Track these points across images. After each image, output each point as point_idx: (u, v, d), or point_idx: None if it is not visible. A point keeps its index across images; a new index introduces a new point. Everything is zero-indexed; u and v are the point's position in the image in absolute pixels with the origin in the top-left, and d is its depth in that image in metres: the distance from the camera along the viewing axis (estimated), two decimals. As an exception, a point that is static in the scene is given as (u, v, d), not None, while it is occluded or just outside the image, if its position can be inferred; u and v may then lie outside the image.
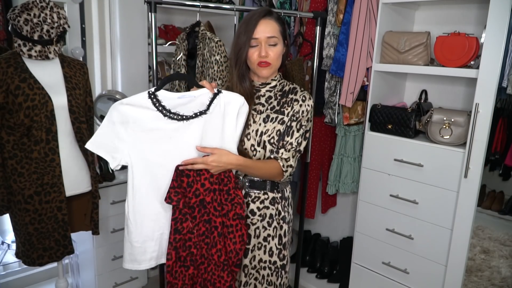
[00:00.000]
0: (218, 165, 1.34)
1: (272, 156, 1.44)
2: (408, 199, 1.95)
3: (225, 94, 1.39)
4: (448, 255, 1.83)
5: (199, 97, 1.37)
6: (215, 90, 1.39)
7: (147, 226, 1.36)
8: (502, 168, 2.99)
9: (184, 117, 1.35)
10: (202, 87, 1.38)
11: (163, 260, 1.41)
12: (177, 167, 1.33)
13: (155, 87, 1.37)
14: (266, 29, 1.39)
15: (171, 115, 1.34)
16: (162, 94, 1.35)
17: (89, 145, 1.32)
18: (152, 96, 1.34)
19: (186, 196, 1.35)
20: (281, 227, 1.53)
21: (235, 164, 1.37)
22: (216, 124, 1.37)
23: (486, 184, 3.15)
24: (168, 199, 1.32)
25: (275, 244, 1.52)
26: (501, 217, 3.02)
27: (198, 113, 1.36)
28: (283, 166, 1.43)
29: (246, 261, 1.52)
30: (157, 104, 1.34)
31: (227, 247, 1.40)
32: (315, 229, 2.92)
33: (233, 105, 1.38)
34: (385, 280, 2.09)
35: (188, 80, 1.41)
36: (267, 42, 1.40)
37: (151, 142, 1.33)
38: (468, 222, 1.76)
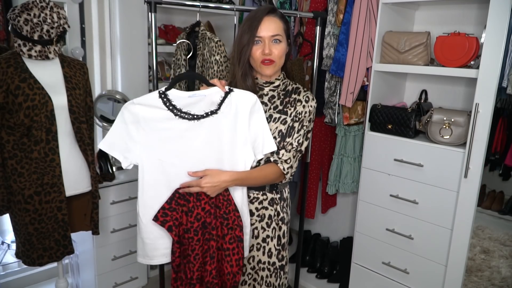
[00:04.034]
0: (212, 186, 1.31)
1: (272, 159, 1.42)
2: (408, 199, 1.95)
3: (237, 93, 1.36)
4: (448, 255, 1.83)
5: (209, 95, 1.35)
6: (226, 89, 1.37)
7: (157, 225, 1.35)
8: (502, 168, 3.00)
9: (195, 116, 1.33)
10: (212, 85, 1.36)
11: None
12: (176, 190, 1.32)
13: (165, 87, 1.35)
14: (270, 27, 1.37)
15: (182, 114, 1.32)
16: (173, 93, 1.34)
17: (102, 145, 1.32)
18: (163, 96, 1.33)
19: (181, 223, 1.33)
20: (280, 228, 1.52)
21: (229, 180, 1.33)
22: (228, 124, 1.34)
23: (486, 184, 3.15)
24: (154, 217, 1.31)
25: (274, 245, 1.51)
26: (501, 217, 3.02)
27: (209, 113, 1.34)
28: (284, 169, 1.41)
29: (244, 260, 1.51)
30: (168, 104, 1.32)
31: (225, 269, 1.38)
32: (315, 229, 2.92)
33: (245, 103, 1.36)
34: (385, 280, 2.09)
35: (199, 79, 1.39)
36: (271, 40, 1.38)
37: (162, 142, 1.32)
38: (468, 222, 1.76)
